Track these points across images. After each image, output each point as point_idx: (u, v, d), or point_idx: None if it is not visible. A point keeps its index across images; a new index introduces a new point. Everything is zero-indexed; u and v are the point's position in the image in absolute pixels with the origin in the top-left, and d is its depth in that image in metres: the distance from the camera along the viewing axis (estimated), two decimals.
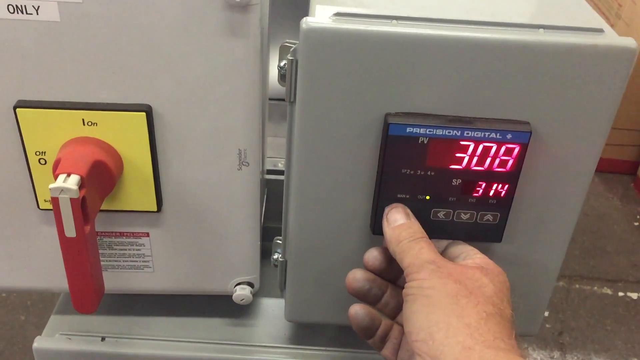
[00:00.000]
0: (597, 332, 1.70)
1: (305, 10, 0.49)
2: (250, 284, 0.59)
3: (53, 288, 0.60)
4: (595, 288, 1.84)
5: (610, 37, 0.44)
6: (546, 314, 1.73)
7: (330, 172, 0.49)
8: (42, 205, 0.53)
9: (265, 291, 0.65)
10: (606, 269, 1.88)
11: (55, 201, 0.45)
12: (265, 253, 0.60)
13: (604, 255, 1.93)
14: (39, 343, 0.60)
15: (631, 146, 2.19)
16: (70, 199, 0.44)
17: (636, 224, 2.07)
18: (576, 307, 1.75)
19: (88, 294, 0.50)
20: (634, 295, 1.83)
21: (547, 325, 1.69)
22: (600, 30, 0.44)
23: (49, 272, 0.58)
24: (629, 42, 0.43)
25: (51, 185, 0.44)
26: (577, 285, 1.83)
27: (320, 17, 0.44)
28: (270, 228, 0.65)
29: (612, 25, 2.05)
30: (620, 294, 1.82)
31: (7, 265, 0.57)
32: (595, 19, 0.46)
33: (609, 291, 1.84)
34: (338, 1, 0.47)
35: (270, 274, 0.63)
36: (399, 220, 0.48)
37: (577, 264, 1.90)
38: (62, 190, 0.44)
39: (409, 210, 0.49)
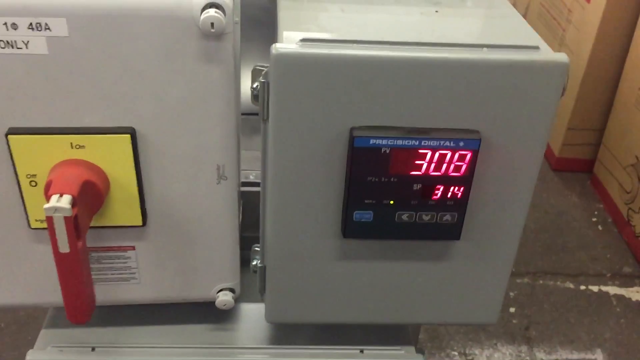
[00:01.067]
0: (562, 325, 1.75)
1: (273, 33, 0.54)
2: (231, 290, 0.63)
3: (44, 303, 0.63)
4: (558, 283, 1.89)
5: (545, 53, 0.49)
6: (512, 310, 1.78)
7: (302, 182, 0.54)
8: (33, 224, 0.56)
9: (245, 296, 0.69)
10: (568, 264, 1.94)
11: (49, 220, 0.48)
12: (244, 261, 0.64)
13: (565, 251, 1.99)
14: (32, 356, 0.63)
15: (587, 145, 2.27)
16: (64, 217, 0.48)
17: (594, 219, 2.14)
18: (541, 302, 1.80)
19: (82, 306, 0.53)
20: (595, 288, 1.89)
21: (514, 321, 1.74)
22: (537, 47, 0.50)
23: (39, 288, 0.61)
24: (561, 57, 0.49)
25: (46, 205, 0.48)
26: (541, 281, 1.88)
27: (287, 42, 0.49)
28: (247, 237, 0.69)
29: (563, 31, 2.12)
30: (582, 287, 1.88)
31: (1, 283, 0.60)
32: (532, 37, 0.52)
33: (571, 285, 1.90)
34: (302, 27, 0.52)
35: (248, 280, 0.67)
36: None
37: (540, 260, 1.95)
38: (56, 209, 0.48)
39: None
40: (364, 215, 0.54)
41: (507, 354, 1.67)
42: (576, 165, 2.30)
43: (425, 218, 0.55)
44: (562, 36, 2.24)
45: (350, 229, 0.55)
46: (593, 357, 1.68)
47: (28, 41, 0.48)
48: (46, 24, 0.47)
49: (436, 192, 0.53)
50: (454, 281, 0.60)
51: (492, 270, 0.60)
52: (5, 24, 0.47)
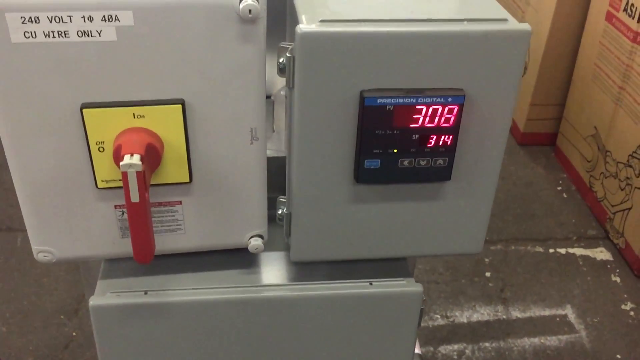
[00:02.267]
0: (534, 286, 1.85)
1: (282, 16, 0.66)
2: (261, 236, 0.75)
3: (104, 255, 0.74)
4: (529, 248, 1.99)
5: (512, 24, 0.63)
6: (488, 274, 1.88)
7: (322, 138, 0.66)
8: (100, 184, 0.67)
9: (267, 246, 0.81)
10: (537, 230, 2.05)
11: (124, 175, 0.60)
12: None
13: (533, 218, 2.10)
14: (94, 301, 0.74)
15: (550, 119, 2.36)
16: (136, 172, 0.60)
17: (559, 188, 2.24)
18: (514, 266, 1.91)
19: (147, 248, 0.65)
20: (563, 251, 1.97)
21: (490, 284, 1.84)
22: (505, 20, 0.63)
23: (100, 242, 0.72)
24: (525, 26, 0.62)
25: (122, 163, 0.59)
26: (513, 247, 1.99)
27: (309, 23, 0.61)
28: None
29: (523, 12, 2.24)
30: (551, 250, 1.99)
31: (66, 239, 0.71)
32: (501, 11, 0.65)
33: (540, 249, 1.98)
34: (317, 10, 0.64)
35: (270, 233, 0.78)
36: None
37: (512, 228, 2.06)
38: (130, 165, 0.60)
39: None
40: (373, 163, 0.67)
41: (485, 314, 1.75)
42: (540, 139, 2.41)
43: (423, 163, 0.67)
44: (522, 17, 2.35)
45: (361, 175, 0.68)
46: (563, 312, 1.77)
47: (101, 30, 0.59)
48: (116, 16, 0.58)
49: (430, 140, 0.66)
50: (446, 217, 0.73)
51: (477, 206, 0.73)
52: (83, 17, 0.58)
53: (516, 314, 1.77)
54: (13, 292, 1.81)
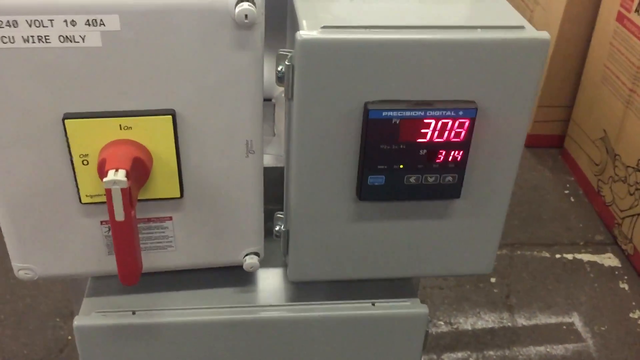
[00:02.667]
0: (540, 292, 1.81)
1: (282, 21, 0.62)
2: (256, 254, 0.71)
3: (88, 272, 0.70)
4: (535, 253, 1.95)
5: (530, 32, 0.58)
6: (493, 280, 1.85)
7: (323, 152, 0.61)
8: (84, 199, 0.63)
9: (265, 262, 0.76)
10: (543, 235, 2.00)
11: (108, 192, 0.55)
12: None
13: (540, 222, 2.05)
14: (78, 321, 0.70)
15: (557, 121, 2.34)
16: (121, 189, 0.55)
17: (566, 192, 2.22)
18: (519, 271, 1.87)
19: (133, 269, 0.61)
20: (570, 256, 1.95)
21: (495, 290, 1.80)
22: (522, 27, 0.58)
23: (85, 259, 0.68)
24: (544, 34, 0.57)
25: (105, 179, 0.55)
26: (519, 252, 1.95)
27: (310, 29, 0.56)
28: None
29: (531, 12, 2.20)
30: (557, 256, 1.94)
31: (48, 256, 0.67)
32: (517, 18, 0.60)
33: (547, 254, 1.94)
34: (319, 16, 0.59)
35: (268, 248, 0.74)
36: None
37: (517, 232, 2.01)
38: (114, 182, 0.55)
39: None
40: (377, 179, 0.62)
41: (490, 321, 1.72)
42: (547, 141, 2.36)
43: (430, 180, 0.63)
44: (530, 17, 2.32)
45: (365, 192, 0.63)
46: (570, 320, 1.73)
47: (84, 35, 0.54)
48: (101, 20, 0.54)
49: (439, 156, 0.61)
50: (454, 236, 0.68)
51: (487, 225, 0.68)
52: (65, 21, 0.54)
53: (522, 321, 1.74)
54: (8, 294, 1.78)
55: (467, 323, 1.73)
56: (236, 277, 0.74)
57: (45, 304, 1.74)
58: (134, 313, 0.72)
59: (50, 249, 0.67)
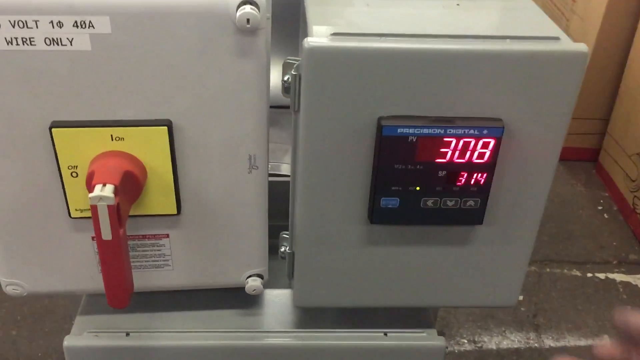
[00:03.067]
0: (569, 312, 1.75)
1: (295, 28, 0.57)
2: (260, 276, 0.66)
3: (80, 290, 0.65)
4: (565, 271, 1.90)
5: (566, 44, 0.52)
6: (520, 297, 1.80)
7: (331, 170, 0.56)
8: (74, 214, 0.59)
9: (270, 283, 0.71)
10: (574, 252, 1.95)
11: (94, 208, 0.51)
12: (269, 249, 0.66)
13: (571, 239, 2.00)
14: (68, 342, 0.66)
15: (592, 134, 2.28)
16: (108, 205, 0.51)
17: (600, 207, 2.15)
18: (548, 290, 1.82)
19: (122, 291, 0.56)
20: (602, 276, 1.90)
21: (522, 309, 1.74)
22: (557, 38, 0.52)
23: (76, 276, 0.64)
24: (581, 47, 0.51)
25: (91, 195, 0.50)
26: (548, 269, 1.89)
27: (318, 36, 0.51)
28: (271, 226, 0.72)
29: (567, 21, 2.12)
30: (589, 275, 1.88)
31: (38, 272, 0.63)
32: (552, 28, 0.54)
33: (577, 273, 1.90)
34: (331, 21, 0.54)
35: (274, 267, 0.69)
36: None
37: (547, 249, 1.96)
38: (100, 198, 0.50)
39: None
40: (391, 202, 0.57)
41: (516, 341, 1.68)
42: (581, 154, 2.30)
43: (450, 204, 0.57)
44: (567, 26, 2.25)
45: (377, 215, 0.57)
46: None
47: (72, 38, 0.50)
48: (90, 22, 0.49)
49: (460, 178, 0.56)
50: (475, 265, 0.62)
51: (513, 254, 0.62)
52: (52, 22, 0.49)
53: (549, 342, 1.68)
54: (28, 294, 1.77)
55: (492, 342, 1.67)
56: (239, 298, 0.69)
57: (64, 306, 1.72)
58: (127, 334, 0.67)
59: (40, 264, 0.62)
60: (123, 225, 0.53)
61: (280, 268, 0.67)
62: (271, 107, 0.81)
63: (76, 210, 0.58)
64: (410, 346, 0.68)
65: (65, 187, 0.57)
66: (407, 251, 0.61)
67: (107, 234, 0.52)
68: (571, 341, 1.69)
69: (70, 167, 0.56)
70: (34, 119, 0.53)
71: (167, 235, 0.62)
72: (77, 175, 0.56)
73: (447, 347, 0.68)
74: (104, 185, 0.51)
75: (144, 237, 0.62)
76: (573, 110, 0.54)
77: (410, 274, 0.63)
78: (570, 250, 1.95)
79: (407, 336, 0.68)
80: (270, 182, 0.77)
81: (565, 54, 0.51)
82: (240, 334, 0.68)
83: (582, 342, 1.69)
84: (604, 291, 1.82)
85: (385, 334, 0.68)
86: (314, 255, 0.61)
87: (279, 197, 0.64)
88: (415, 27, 0.53)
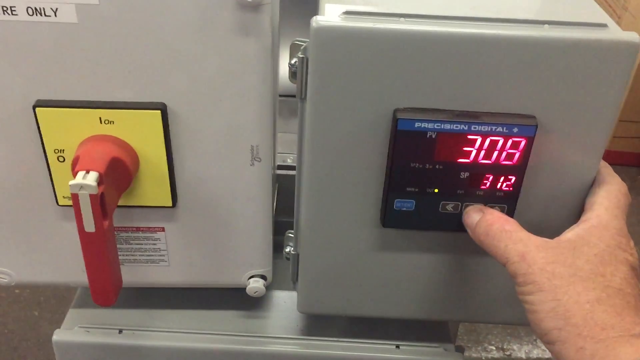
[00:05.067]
0: None
1: (314, 8, 0.51)
2: (263, 277, 0.61)
3: (71, 282, 0.61)
4: None
5: (614, 32, 0.45)
6: None
7: (340, 167, 0.50)
8: (61, 201, 0.54)
9: (277, 284, 0.66)
10: None
11: (75, 197, 0.46)
12: (277, 247, 0.61)
13: None
14: (58, 336, 0.62)
15: (638, 138, 2.19)
16: (90, 195, 0.46)
17: None
18: None
19: (107, 287, 0.51)
20: None
21: None
22: (604, 25, 0.45)
23: (67, 267, 0.59)
24: (632, 36, 0.44)
25: (71, 182, 0.46)
26: None
27: (329, 15, 0.45)
28: (281, 222, 0.66)
29: (618, 18, 2.03)
30: None
31: (25, 260, 0.59)
32: (599, 14, 0.47)
33: None
34: (347, 0, 0.48)
35: (282, 267, 0.64)
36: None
37: None
38: (81, 186, 0.46)
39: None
40: (405, 204, 0.51)
41: (547, 351, 1.61)
42: (626, 159, 2.22)
43: None
44: (618, 24, 2.14)
45: (389, 218, 0.52)
46: None
47: (57, 8, 0.45)
48: None
49: (485, 181, 0.49)
50: (500, 278, 0.56)
51: None
52: None
53: None
54: (16, 284, 1.77)
55: (522, 351, 1.62)
56: (242, 298, 0.64)
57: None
58: (120, 332, 0.63)
59: (28, 253, 0.58)
60: (108, 217, 0.48)
61: (288, 267, 0.62)
62: (287, 95, 0.76)
63: (64, 197, 0.54)
64: None
65: (51, 172, 0.52)
66: (422, 259, 0.55)
67: (89, 226, 0.48)
68: None
69: (56, 151, 0.51)
70: (17, 96, 0.49)
71: (163, 229, 0.57)
72: (64, 160, 0.52)
73: None
74: (87, 172, 0.46)
75: (138, 229, 0.57)
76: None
77: (426, 284, 0.57)
78: None
79: (421, 350, 0.62)
80: (282, 175, 0.72)
81: (613, 44, 0.44)
82: (241, 338, 0.63)
83: None
84: None
85: (398, 347, 0.63)
86: (320, 259, 0.56)
87: (292, 192, 0.59)
88: (440, 8, 0.46)
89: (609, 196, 0.48)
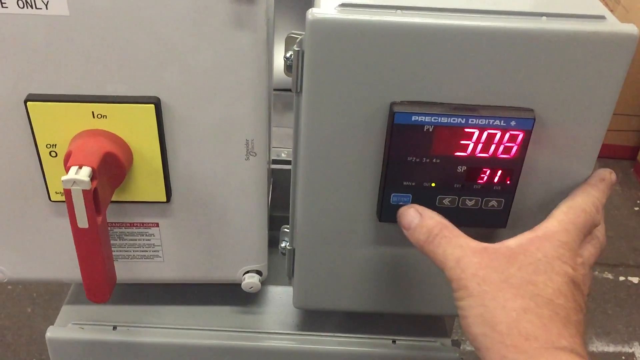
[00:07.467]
0: (599, 317, 1.71)
1: (310, 0, 0.50)
2: (258, 272, 0.60)
3: (64, 279, 0.61)
4: (597, 273, 1.85)
5: (612, 24, 0.44)
6: None
7: (336, 161, 0.50)
8: (54, 197, 0.54)
9: (273, 279, 0.66)
10: (607, 254, 1.89)
11: (67, 193, 0.45)
12: (272, 242, 0.60)
13: None
14: (51, 333, 0.61)
15: (631, 131, 2.19)
16: (83, 190, 0.45)
17: (636, 209, 2.07)
18: None
19: (101, 284, 0.51)
20: (635, 280, 1.84)
21: None
22: (602, 17, 0.45)
23: (60, 263, 0.59)
24: (630, 28, 0.44)
25: (64, 177, 0.45)
26: None
27: (325, 7, 0.45)
28: (277, 217, 0.66)
29: (611, 11, 2.04)
30: (621, 278, 1.84)
31: (18, 257, 0.58)
32: (596, 6, 0.47)
33: (610, 276, 1.85)
34: None
35: (277, 262, 0.64)
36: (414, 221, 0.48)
37: None
38: (74, 182, 0.45)
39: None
40: (402, 198, 0.50)
41: None
42: (618, 152, 2.23)
43: (469, 203, 0.50)
44: None
45: (386, 213, 0.51)
46: (630, 350, 1.64)
47: (48, 1, 0.44)
48: None
49: (482, 175, 0.49)
50: None
51: None
52: None
53: None
54: (9, 280, 1.77)
55: None
56: (237, 294, 0.64)
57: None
58: (114, 328, 0.62)
59: (20, 250, 0.58)
60: (102, 213, 0.48)
61: (284, 262, 0.62)
62: (282, 90, 0.75)
63: (56, 193, 0.53)
64: (420, 356, 0.61)
65: (43, 167, 0.52)
66: (419, 253, 0.54)
67: (82, 222, 0.47)
68: (599, 347, 1.64)
69: (48, 146, 0.51)
70: (8, 90, 0.48)
71: (157, 224, 0.57)
72: (56, 155, 0.51)
73: (462, 359, 0.62)
74: (80, 167, 0.46)
75: (132, 224, 0.57)
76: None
77: (422, 278, 0.56)
78: (602, 252, 1.88)
79: (417, 345, 0.62)
80: (277, 170, 0.72)
81: (611, 36, 0.43)
82: (236, 334, 0.63)
83: (611, 349, 1.64)
84: (636, 296, 1.77)
85: (394, 342, 0.62)
86: (316, 254, 0.55)
87: (287, 186, 0.58)
88: (437, 1, 0.46)
89: (568, 211, 0.47)
